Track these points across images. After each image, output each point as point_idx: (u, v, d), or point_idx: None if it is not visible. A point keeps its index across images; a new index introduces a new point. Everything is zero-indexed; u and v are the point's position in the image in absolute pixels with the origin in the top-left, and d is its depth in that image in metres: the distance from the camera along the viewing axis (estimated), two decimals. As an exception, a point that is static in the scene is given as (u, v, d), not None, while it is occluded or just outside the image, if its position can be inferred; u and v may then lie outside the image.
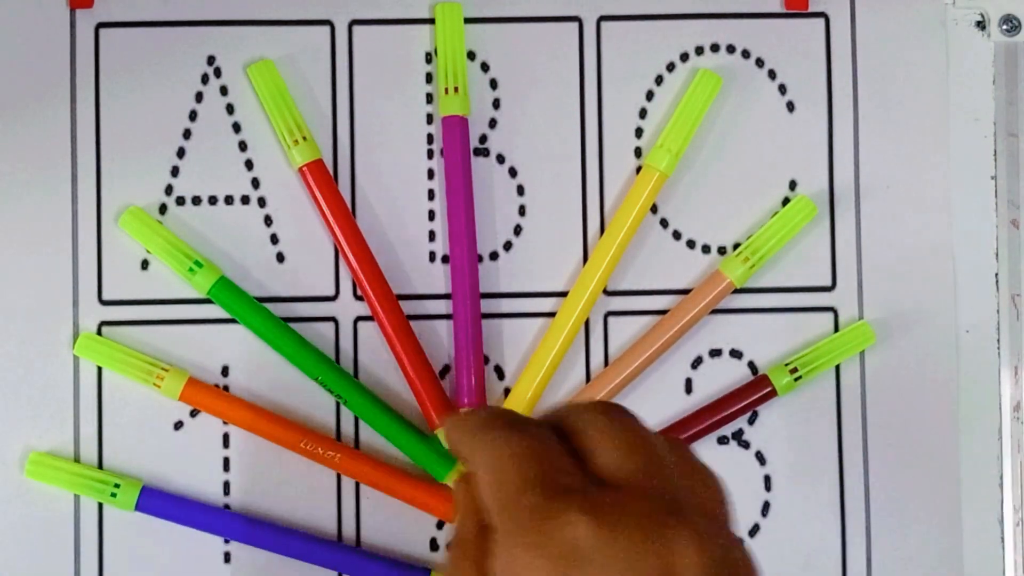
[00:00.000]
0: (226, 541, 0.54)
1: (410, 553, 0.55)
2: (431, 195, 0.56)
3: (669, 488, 0.34)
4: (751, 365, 0.56)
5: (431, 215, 0.56)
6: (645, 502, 0.33)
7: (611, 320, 0.56)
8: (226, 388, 0.55)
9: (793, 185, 0.56)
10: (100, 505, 0.54)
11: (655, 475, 0.34)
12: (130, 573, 0.54)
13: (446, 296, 0.56)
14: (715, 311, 0.56)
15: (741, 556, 0.34)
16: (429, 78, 0.56)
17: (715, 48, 0.57)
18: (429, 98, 0.56)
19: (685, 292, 0.56)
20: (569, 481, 0.33)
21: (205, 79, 0.56)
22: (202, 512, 0.54)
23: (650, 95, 0.56)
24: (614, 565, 0.32)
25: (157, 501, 0.54)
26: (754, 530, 0.56)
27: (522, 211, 0.56)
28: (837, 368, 0.56)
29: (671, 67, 0.57)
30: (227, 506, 0.55)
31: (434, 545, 0.55)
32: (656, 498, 0.33)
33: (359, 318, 0.55)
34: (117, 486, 0.53)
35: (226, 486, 0.55)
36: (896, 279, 0.56)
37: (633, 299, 0.56)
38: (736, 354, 0.56)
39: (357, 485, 0.55)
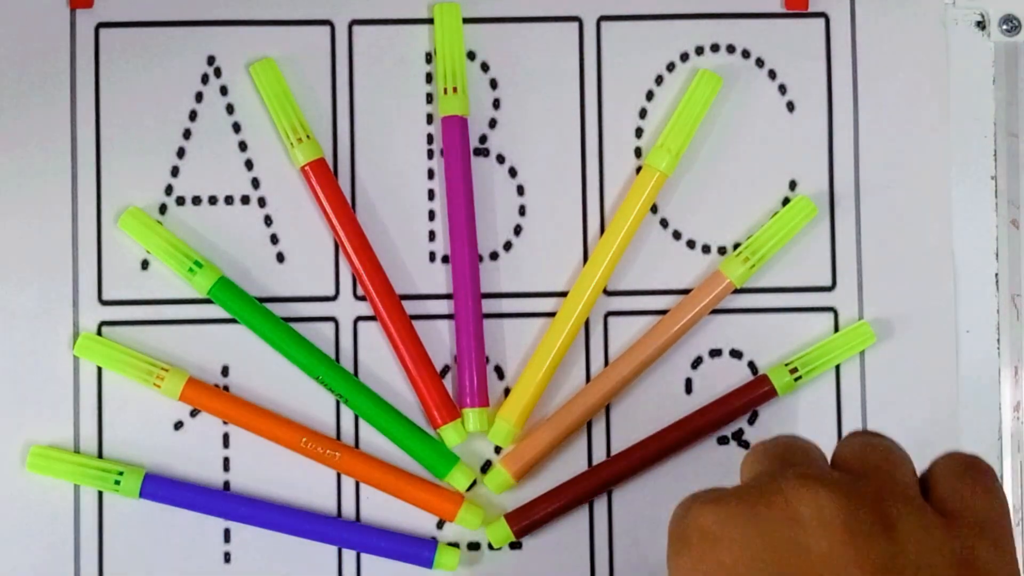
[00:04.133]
0: (226, 540, 0.55)
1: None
2: (431, 195, 0.56)
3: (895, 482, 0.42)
4: (751, 365, 0.56)
5: (431, 215, 0.56)
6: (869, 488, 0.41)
7: (611, 320, 0.56)
8: (226, 388, 0.55)
9: (793, 185, 0.56)
10: (100, 499, 0.54)
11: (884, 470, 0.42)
12: (130, 567, 0.54)
13: (447, 296, 0.56)
14: (715, 311, 0.56)
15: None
16: (429, 78, 0.56)
17: (715, 48, 0.57)
18: (429, 98, 0.56)
19: (685, 292, 0.56)
20: (820, 467, 0.42)
21: (205, 79, 0.56)
22: (207, 496, 0.54)
23: (650, 95, 0.56)
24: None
25: (161, 487, 0.54)
26: (754, 530, 0.56)
27: (522, 211, 0.56)
28: (837, 368, 0.56)
29: (671, 67, 0.57)
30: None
31: (434, 545, 0.55)
32: (881, 486, 0.41)
33: (359, 318, 0.55)
34: (120, 474, 0.53)
35: (226, 486, 0.55)
36: (896, 279, 0.56)
37: (633, 299, 0.56)
38: (736, 354, 0.56)
39: (357, 484, 0.55)
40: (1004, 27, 0.57)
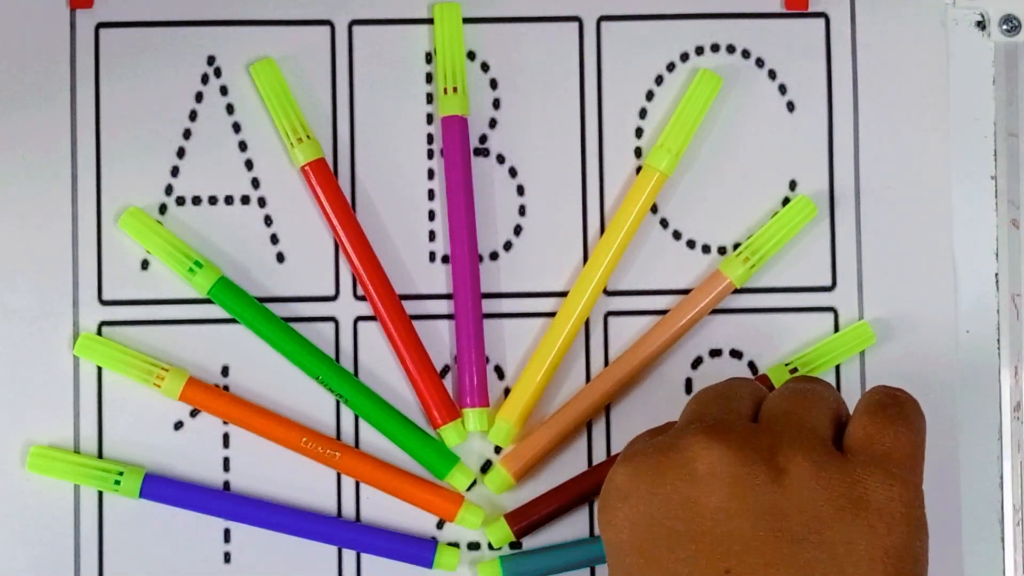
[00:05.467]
0: (226, 540, 0.55)
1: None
2: (431, 195, 0.56)
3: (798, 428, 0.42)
4: (751, 365, 0.56)
5: (431, 215, 0.56)
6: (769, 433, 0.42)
7: (611, 320, 0.56)
8: (226, 388, 0.55)
9: (793, 185, 0.56)
10: (100, 499, 0.54)
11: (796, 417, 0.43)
12: (130, 567, 0.54)
13: (447, 296, 0.56)
14: (715, 311, 0.56)
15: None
16: (429, 78, 0.56)
17: (715, 48, 0.57)
18: (429, 98, 0.56)
19: (685, 292, 0.56)
20: (726, 419, 0.43)
21: (205, 79, 0.56)
22: (207, 496, 0.54)
23: (650, 95, 0.56)
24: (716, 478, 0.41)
25: (161, 487, 0.54)
26: (754, 530, 0.56)
27: (522, 211, 0.56)
28: (837, 368, 0.56)
29: (671, 67, 0.57)
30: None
31: (434, 545, 0.55)
32: (784, 431, 0.42)
33: (359, 318, 0.55)
34: (120, 474, 0.53)
35: (226, 486, 0.55)
36: (896, 279, 0.56)
37: (633, 299, 0.56)
38: (736, 354, 0.56)
39: (357, 484, 0.55)
40: (1004, 27, 0.57)
